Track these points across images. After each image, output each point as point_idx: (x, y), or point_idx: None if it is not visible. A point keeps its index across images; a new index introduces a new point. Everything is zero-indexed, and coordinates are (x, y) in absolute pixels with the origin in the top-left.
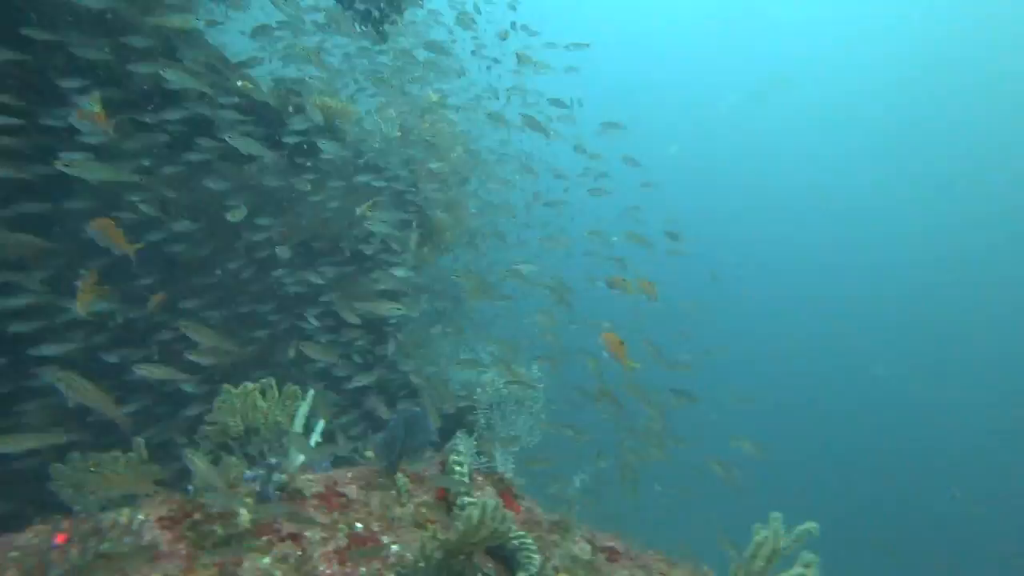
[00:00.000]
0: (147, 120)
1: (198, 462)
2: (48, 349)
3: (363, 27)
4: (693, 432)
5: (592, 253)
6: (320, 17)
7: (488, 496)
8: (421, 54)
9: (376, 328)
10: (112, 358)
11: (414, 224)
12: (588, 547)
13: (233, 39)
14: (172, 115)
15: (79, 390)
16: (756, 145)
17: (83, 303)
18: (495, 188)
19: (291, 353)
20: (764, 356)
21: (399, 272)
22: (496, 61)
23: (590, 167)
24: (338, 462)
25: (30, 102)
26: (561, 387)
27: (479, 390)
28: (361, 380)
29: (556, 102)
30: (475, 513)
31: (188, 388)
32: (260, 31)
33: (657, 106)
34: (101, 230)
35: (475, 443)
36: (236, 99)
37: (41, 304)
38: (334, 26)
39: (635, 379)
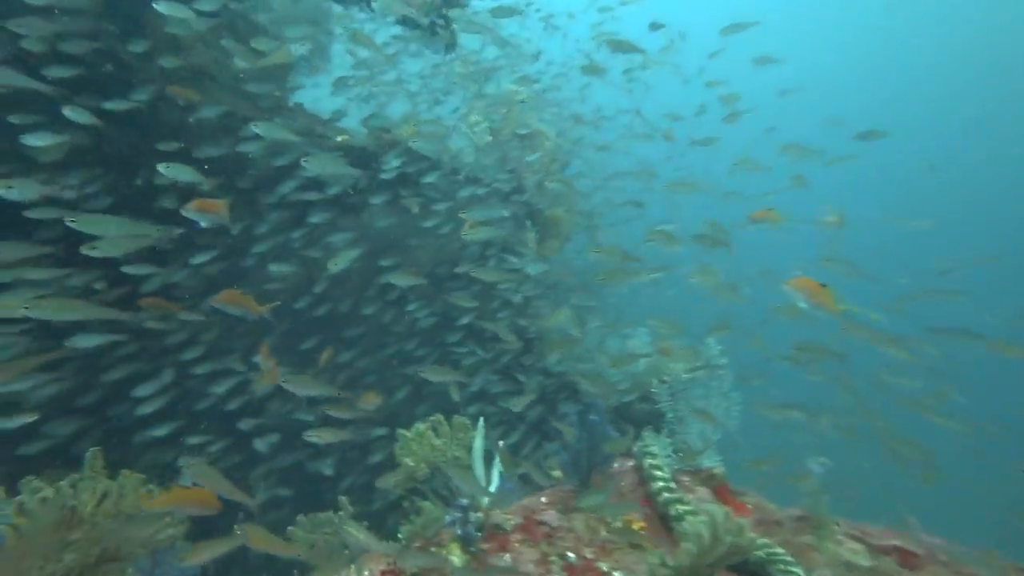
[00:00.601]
0: (269, 200)
1: (355, 532)
2: (247, 424)
3: (432, 34)
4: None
5: (737, 193)
6: (391, 48)
7: (701, 497)
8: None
9: (520, 337)
10: (308, 416)
11: (529, 223)
12: (861, 547)
13: (332, 100)
14: (287, 187)
15: (205, 477)
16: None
17: (262, 382)
18: (597, 157)
19: (454, 396)
20: None
21: (532, 268)
22: (571, 16)
23: (705, 103)
24: (525, 482)
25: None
26: (751, 355)
27: (655, 381)
28: (517, 406)
29: (654, 26)
30: (705, 530)
31: (378, 431)
32: (339, 83)
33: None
34: (228, 301)
35: (668, 440)
36: (338, 153)
37: (241, 383)
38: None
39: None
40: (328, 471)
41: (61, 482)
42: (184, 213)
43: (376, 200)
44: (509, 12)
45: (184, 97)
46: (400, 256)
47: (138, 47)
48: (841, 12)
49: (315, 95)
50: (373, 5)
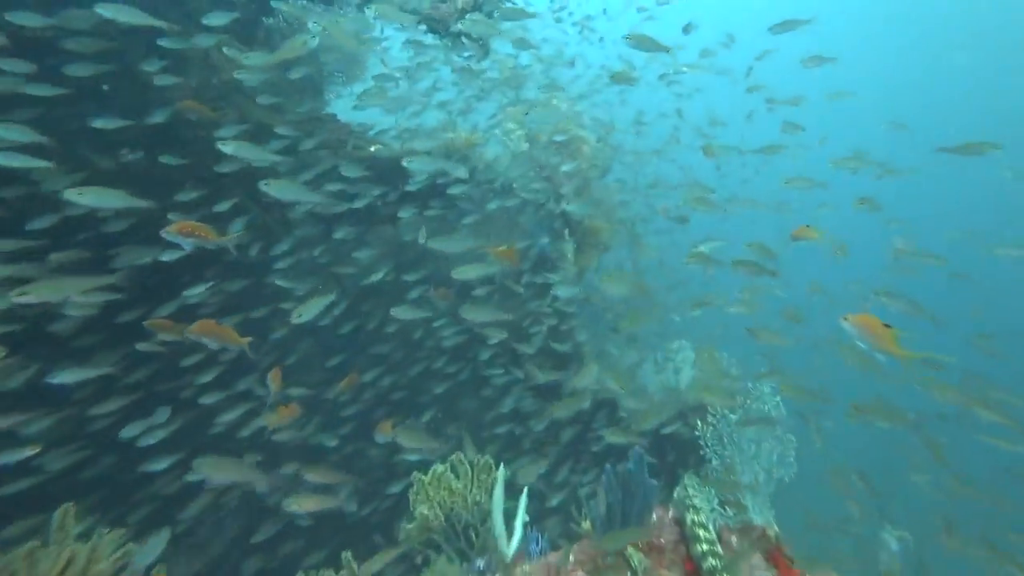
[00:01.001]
0: (292, 216)
1: None
2: (252, 458)
3: (466, 43)
4: None
5: (784, 205)
6: (424, 58)
7: (751, 562)
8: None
9: (555, 358)
10: (331, 442)
11: (566, 233)
12: None
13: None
14: (303, 206)
15: None
16: None
17: (274, 420)
18: (635, 164)
19: (469, 453)
20: None
21: (563, 292)
22: (604, 11)
23: (755, 108)
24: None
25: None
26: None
27: (700, 423)
28: (529, 476)
29: (687, 28)
30: None
31: (419, 459)
32: (364, 95)
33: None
34: (203, 332)
35: (713, 491)
36: (365, 167)
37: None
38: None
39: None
40: (351, 507)
41: (15, 551)
42: (164, 235)
43: (404, 213)
44: (518, 14)
45: (200, 114)
46: (428, 270)
47: (152, 66)
48: (905, 6)
49: (349, 105)
50: (367, 11)
